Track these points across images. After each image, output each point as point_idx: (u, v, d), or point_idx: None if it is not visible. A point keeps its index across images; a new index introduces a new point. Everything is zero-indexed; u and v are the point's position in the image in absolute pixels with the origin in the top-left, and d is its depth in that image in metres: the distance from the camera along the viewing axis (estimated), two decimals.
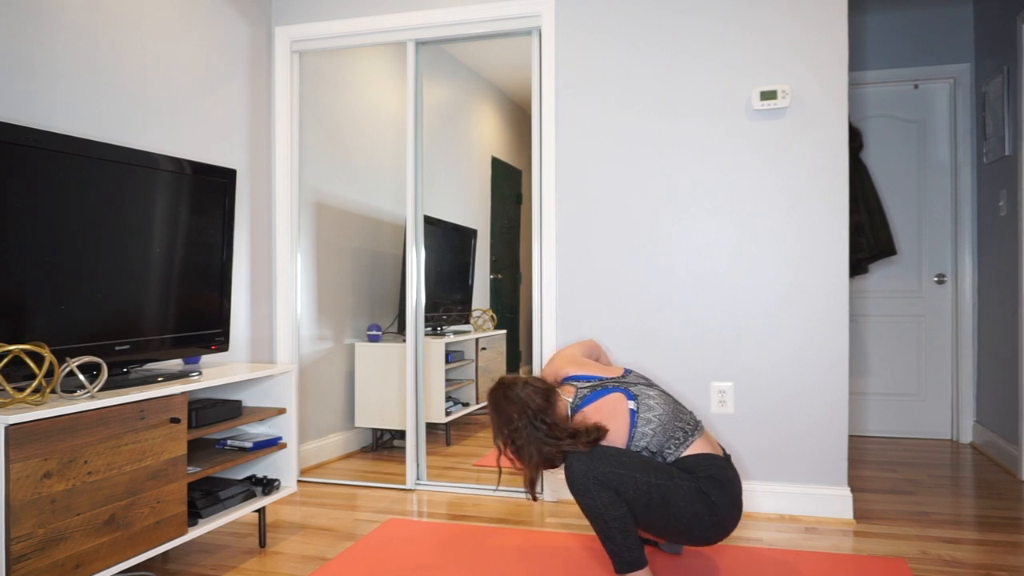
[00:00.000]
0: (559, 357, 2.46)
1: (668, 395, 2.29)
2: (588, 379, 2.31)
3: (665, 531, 2.10)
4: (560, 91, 3.12)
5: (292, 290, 3.47)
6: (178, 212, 2.39)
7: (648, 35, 3.02)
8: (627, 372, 2.35)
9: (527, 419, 2.17)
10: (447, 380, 3.84)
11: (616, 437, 2.17)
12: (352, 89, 3.98)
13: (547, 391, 2.24)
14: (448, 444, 3.93)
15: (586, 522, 2.82)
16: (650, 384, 2.31)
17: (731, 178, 2.94)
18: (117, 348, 2.16)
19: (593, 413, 2.19)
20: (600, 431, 2.13)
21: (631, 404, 2.19)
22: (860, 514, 2.90)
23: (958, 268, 4.22)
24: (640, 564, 2.06)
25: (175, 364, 2.70)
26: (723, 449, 2.26)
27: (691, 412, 2.30)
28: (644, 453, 2.18)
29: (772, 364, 2.90)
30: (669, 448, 2.18)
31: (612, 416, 2.17)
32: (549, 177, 3.12)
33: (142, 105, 2.68)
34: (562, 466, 2.17)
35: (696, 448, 2.18)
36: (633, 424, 2.17)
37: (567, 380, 2.35)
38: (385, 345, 3.89)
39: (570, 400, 2.27)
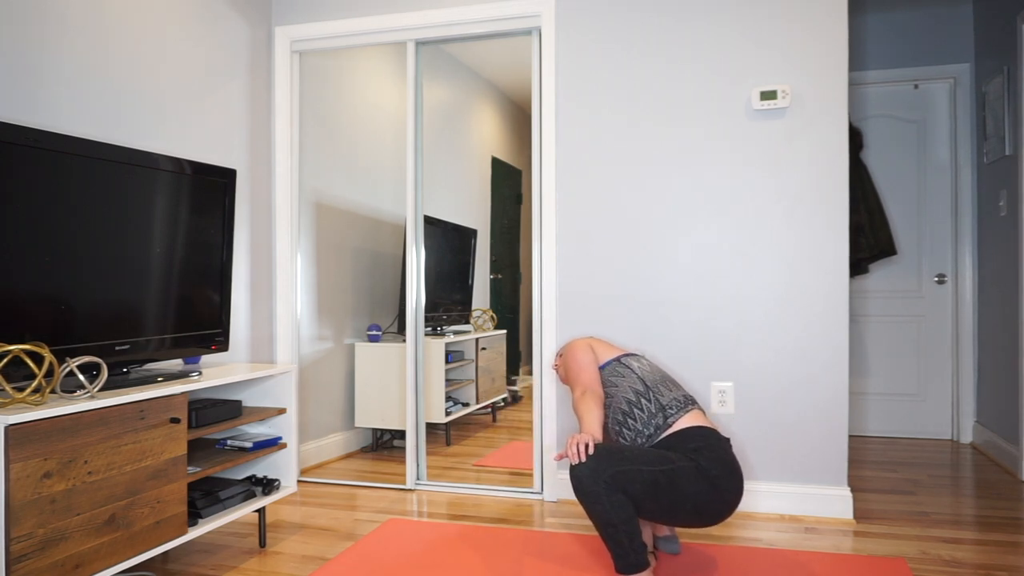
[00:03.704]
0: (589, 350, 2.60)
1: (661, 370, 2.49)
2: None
3: (674, 516, 2.11)
4: (560, 91, 3.12)
5: (292, 290, 3.47)
6: (178, 212, 2.39)
7: (648, 35, 3.02)
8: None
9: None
10: (447, 380, 3.84)
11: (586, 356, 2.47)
12: (352, 89, 3.98)
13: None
14: (448, 444, 3.93)
15: (586, 522, 2.82)
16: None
17: (731, 178, 2.94)
18: (117, 348, 2.16)
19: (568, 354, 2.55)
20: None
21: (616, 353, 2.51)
22: (860, 514, 2.90)
23: (958, 268, 4.22)
24: (643, 566, 2.06)
25: (175, 364, 2.71)
26: (719, 433, 2.29)
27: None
28: (637, 385, 2.31)
29: (772, 364, 2.90)
30: (668, 403, 2.24)
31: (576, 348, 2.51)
32: (549, 177, 3.12)
33: (142, 105, 2.68)
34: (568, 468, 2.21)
35: (696, 419, 2.24)
36: (626, 353, 2.49)
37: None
38: (385, 345, 3.89)
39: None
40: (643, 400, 2.25)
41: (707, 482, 2.08)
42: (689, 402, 2.29)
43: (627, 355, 2.49)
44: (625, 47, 3.05)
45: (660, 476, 2.06)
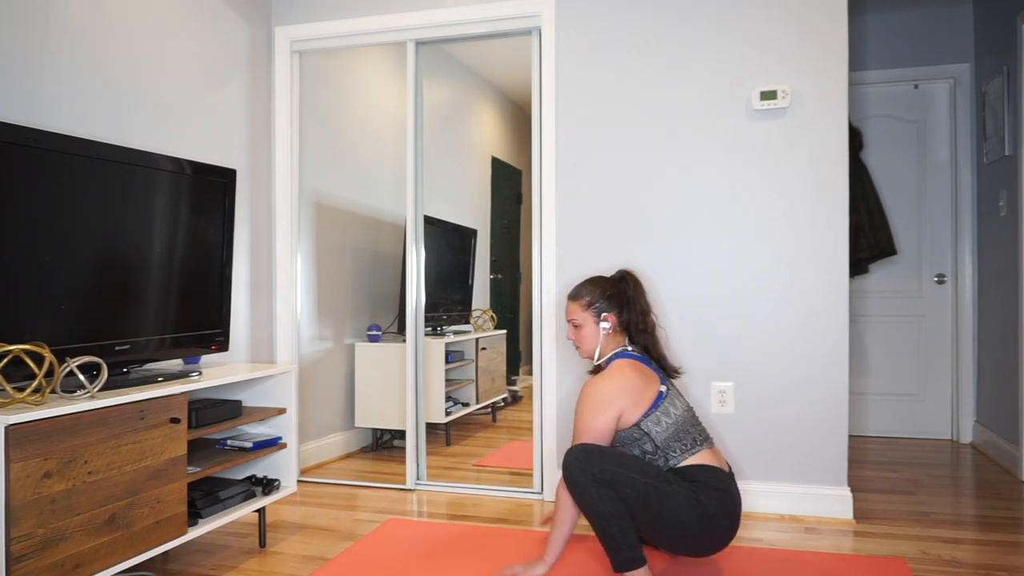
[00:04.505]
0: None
1: (690, 407, 2.33)
2: (638, 358, 2.31)
3: (658, 535, 2.11)
4: (560, 91, 3.12)
5: (292, 290, 3.47)
6: (178, 212, 2.39)
7: (648, 35, 3.02)
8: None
9: (595, 309, 2.35)
10: (447, 380, 3.84)
11: (636, 393, 2.19)
12: (352, 89, 3.98)
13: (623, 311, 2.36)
14: (448, 444, 3.93)
15: (585, 523, 2.82)
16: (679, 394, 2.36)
17: (731, 178, 2.94)
18: (117, 348, 2.16)
19: (623, 365, 2.24)
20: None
21: (662, 387, 2.25)
22: (860, 514, 2.90)
23: (958, 268, 4.22)
24: (639, 563, 2.06)
25: (175, 364, 2.70)
26: (728, 466, 2.26)
27: (704, 428, 2.30)
28: (647, 446, 2.19)
29: (772, 364, 2.90)
30: (675, 451, 2.18)
31: (643, 376, 2.23)
32: (549, 177, 3.12)
33: (142, 105, 2.68)
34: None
35: (702, 458, 2.18)
36: (655, 405, 2.20)
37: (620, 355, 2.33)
38: (385, 345, 3.89)
39: (625, 346, 2.36)
40: (648, 456, 2.22)
41: (700, 513, 2.06)
42: (697, 443, 2.20)
43: (651, 413, 2.20)
44: (625, 47, 3.05)
45: (652, 490, 2.04)
